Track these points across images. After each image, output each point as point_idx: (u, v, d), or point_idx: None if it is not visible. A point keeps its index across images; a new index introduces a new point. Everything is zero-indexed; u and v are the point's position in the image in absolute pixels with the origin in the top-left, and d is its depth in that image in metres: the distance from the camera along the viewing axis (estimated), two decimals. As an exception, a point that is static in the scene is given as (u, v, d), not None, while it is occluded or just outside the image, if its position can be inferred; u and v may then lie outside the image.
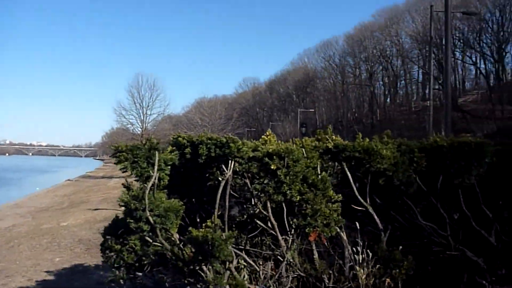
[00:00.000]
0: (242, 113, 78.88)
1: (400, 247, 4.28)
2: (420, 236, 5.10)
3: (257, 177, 3.80)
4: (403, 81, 68.13)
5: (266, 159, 3.65)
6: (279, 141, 4.34)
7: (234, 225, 4.50)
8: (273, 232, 4.17)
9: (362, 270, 3.90)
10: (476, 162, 4.49)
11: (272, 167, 3.61)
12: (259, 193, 3.78)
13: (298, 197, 3.66)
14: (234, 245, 4.30)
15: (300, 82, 77.40)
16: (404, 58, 62.99)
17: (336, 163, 4.27)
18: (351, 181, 4.16)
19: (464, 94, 58.52)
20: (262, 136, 3.98)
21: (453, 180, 4.62)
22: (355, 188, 4.21)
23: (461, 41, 53.58)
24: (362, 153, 3.95)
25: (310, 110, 68.65)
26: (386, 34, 63.51)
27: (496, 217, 5.06)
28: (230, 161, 3.66)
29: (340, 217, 3.87)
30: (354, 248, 4.29)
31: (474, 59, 56.02)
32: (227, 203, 3.86)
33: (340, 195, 3.88)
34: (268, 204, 3.90)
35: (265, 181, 3.71)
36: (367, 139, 4.12)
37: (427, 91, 49.14)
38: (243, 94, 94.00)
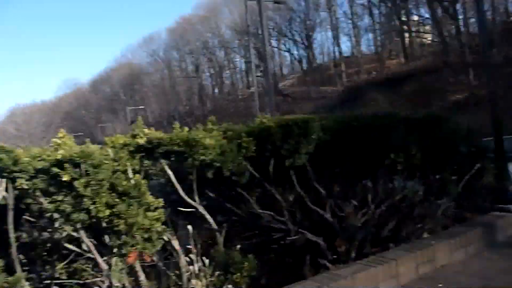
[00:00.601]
0: (66, 117, 72.77)
1: (239, 246, 3.78)
2: (260, 226, 4.71)
3: (50, 193, 2.87)
4: (228, 71, 70.17)
5: (56, 169, 2.75)
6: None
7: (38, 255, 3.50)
8: (91, 255, 3.30)
9: (199, 282, 3.28)
10: (305, 139, 4.19)
11: (65, 179, 2.73)
12: (53, 214, 2.86)
13: (107, 211, 2.84)
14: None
15: (126, 79, 74.32)
16: (227, 49, 64.81)
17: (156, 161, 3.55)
18: (173, 179, 3.49)
19: (283, 79, 62.66)
20: (53, 140, 3.03)
21: (284, 161, 4.28)
22: (179, 187, 3.56)
23: (275, 30, 57.02)
24: (182, 145, 3.29)
25: (140, 107, 66.40)
26: (207, 26, 64.47)
27: (328, 193, 4.92)
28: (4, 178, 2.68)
29: (163, 226, 3.16)
30: (190, 256, 3.65)
31: (288, 46, 60.29)
32: (11, 235, 2.85)
33: (161, 199, 3.17)
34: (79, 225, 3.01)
35: (60, 198, 2.81)
36: (186, 129, 3.47)
37: (250, 79, 51.28)
38: (64, 97, 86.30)
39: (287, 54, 63.24)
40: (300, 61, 58.34)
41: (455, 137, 5.20)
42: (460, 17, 35.49)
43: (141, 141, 3.25)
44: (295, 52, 59.09)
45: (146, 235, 2.98)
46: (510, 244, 5.00)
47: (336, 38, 54.42)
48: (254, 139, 4.05)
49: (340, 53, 54.46)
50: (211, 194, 4.45)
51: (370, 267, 3.81)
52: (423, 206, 5.11)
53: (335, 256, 4.55)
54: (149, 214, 3.02)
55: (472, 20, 37.60)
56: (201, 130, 3.64)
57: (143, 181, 3.05)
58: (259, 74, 49.62)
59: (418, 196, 4.96)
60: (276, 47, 61.40)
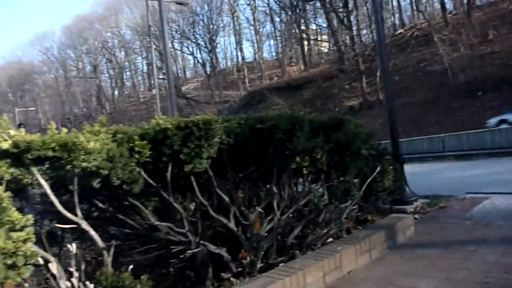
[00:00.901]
0: None
1: (131, 266, 3.27)
2: (158, 239, 4.23)
3: None
4: (128, 73, 67.57)
5: None
6: None
7: None
8: None
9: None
10: (206, 143, 3.80)
11: None
12: None
13: (-48, 234, 2.21)
14: None
15: (15, 78, 68.39)
16: (127, 50, 62.35)
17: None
18: (47, 190, 2.91)
19: (186, 82, 61.78)
20: None
21: (183, 166, 3.85)
22: (54, 200, 2.98)
23: (178, 32, 56.07)
24: (58, 150, 2.72)
25: (31, 108, 61.39)
26: (106, 25, 61.53)
27: (232, 200, 4.59)
28: None
29: (35, 247, 2.58)
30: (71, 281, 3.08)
31: (191, 49, 59.55)
32: None
33: (30, 216, 2.58)
34: None
35: None
36: (65, 130, 2.90)
37: (153, 81, 49.73)
38: None
39: (190, 57, 62.50)
40: (203, 65, 57.89)
41: (357, 140, 5.13)
42: (354, 28, 37.54)
43: (5, 145, 2.64)
44: (199, 56, 58.60)
45: (9, 261, 2.39)
46: (409, 245, 5.04)
47: (239, 43, 54.95)
48: (149, 143, 3.58)
49: (243, 58, 55.02)
50: (102, 205, 3.90)
51: (277, 280, 3.52)
52: (328, 210, 4.99)
53: (240, 269, 4.22)
54: (14, 234, 2.43)
55: (364, 31, 40.04)
56: (84, 132, 3.09)
57: (5, 194, 2.45)
58: (161, 76, 48.45)
59: (323, 200, 4.80)
60: (180, 50, 60.44)
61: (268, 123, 4.32)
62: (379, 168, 5.54)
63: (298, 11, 42.63)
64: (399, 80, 33.97)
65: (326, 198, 4.91)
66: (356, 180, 5.32)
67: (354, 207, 5.27)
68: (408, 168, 7.18)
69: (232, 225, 4.43)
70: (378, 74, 33.26)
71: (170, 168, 3.79)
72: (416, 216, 6.33)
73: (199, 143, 3.73)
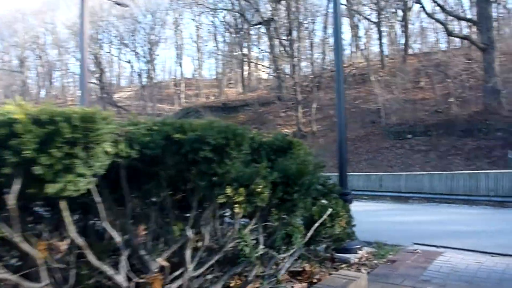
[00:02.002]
0: None
1: None
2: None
3: None
4: (59, 73, 63.19)
5: None
6: None
7: None
8: None
9: None
10: (85, 151, 2.30)
11: None
12: None
13: None
14: None
15: None
16: (60, 48, 58.34)
17: None
18: None
19: (120, 90, 58.73)
20: None
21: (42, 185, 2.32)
22: None
23: (118, 38, 53.34)
24: None
25: None
26: (40, 20, 57.35)
27: (127, 241, 3.10)
28: None
29: None
30: None
31: (129, 57, 56.93)
32: None
33: None
34: None
35: None
36: None
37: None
38: None
39: (128, 65, 59.71)
40: (139, 75, 55.33)
41: (309, 171, 3.84)
42: (295, 58, 37.35)
43: None
44: (136, 65, 56.05)
45: None
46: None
47: (179, 57, 53.22)
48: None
49: (182, 73, 53.30)
50: None
51: None
52: (263, 262, 3.62)
53: None
54: None
55: (304, 64, 40.03)
56: None
57: None
58: (93, 80, 45.48)
59: (256, 251, 3.41)
60: (117, 56, 57.52)
61: (192, 133, 2.90)
62: (330, 210, 4.26)
63: (242, 33, 41.91)
64: (334, 114, 33.90)
65: (261, 247, 3.53)
66: (301, 223, 4.02)
67: (297, 260, 3.94)
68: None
69: (120, 278, 2.91)
70: (314, 105, 33.07)
71: (16, 187, 2.24)
72: (364, 271, 5.11)
73: (70, 150, 2.22)
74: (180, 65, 57.36)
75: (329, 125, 33.28)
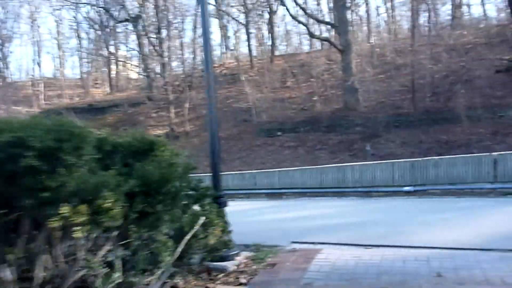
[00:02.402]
0: None
1: None
2: None
3: None
4: None
5: None
6: None
7: None
8: None
9: None
10: None
11: None
12: None
13: None
14: None
15: None
16: None
17: None
18: None
19: (-34, 91, 51.33)
20: None
21: None
22: None
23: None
24: None
25: None
26: None
27: None
28: None
29: None
30: None
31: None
32: None
33: None
34: None
35: None
36: None
37: None
38: None
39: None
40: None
41: (176, 176, 3.22)
42: (166, 58, 36.22)
43: None
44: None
45: None
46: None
47: (37, 55, 48.29)
48: None
49: (41, 72, 48.46)
50: None
51: None
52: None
53: None
54: None
55: (174, 64, 39.08)
56: None
57: None
58: None
59: (110, 280, 2.68)
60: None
61: (7, 134, 2.08)
62: (203, 219, 3.67)
63: (108, 30, 39.36)
64: (207, 114, 33.53)
65: (117, 274, 2.80)
66: (168, 238, 3.36)
67: (166, 281, 3.28)
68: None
69: None
70: (186, 105, 32.37)
71: None
72: (243, 279, 4.64)
73: None
74: (39, 64, 52.20)
75: (202, 125, 32.79)
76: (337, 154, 24.30)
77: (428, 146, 21.50)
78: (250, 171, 14.24)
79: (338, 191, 11.62)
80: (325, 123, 26.22)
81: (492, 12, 29.02)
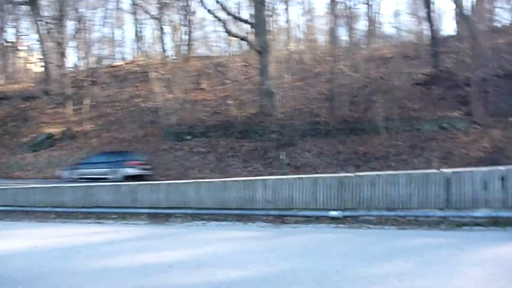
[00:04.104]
0: None
1: None
2: None
3: None
4: None
5: None
6: None
7: None
8: None
9: None
10: None
11: None
12: None
13: None
14: None
15: None
16: None
17: None
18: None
19: None
20: None
21: None
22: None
23: None
24: None
25: None
26: None
27: None
28: None
29: None
30: None
31: None
32: None
33: None
34: None
35: None
36: None
37: None
38: None
39: None
40: None
41: None
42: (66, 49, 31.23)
43: None
44: None
45: None
46: None
47: None
48: None
49: None
50: None
51: None
52: None
53: None
54: None
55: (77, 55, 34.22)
56: None
57: None
58: None
59: None
60: None
61: None
62: None
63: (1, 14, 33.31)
64: (112, 112, 29.24)
65: None
66: None
67: None
68: None
69: None
70: (87, 102, 27.79)
71: None
72: None
73: None
74: None
75: (105, 124, 28.32)
76: (250, 163, 21.41)
77: (345, 157, 19.32)
78: (129, 183, 10.46)
79: (245, 214, 8.42)
80: (239, 128, 23.23)
81: (409, 26, 27.92)
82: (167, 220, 8.96)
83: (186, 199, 9.00)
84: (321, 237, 6.76)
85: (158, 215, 9.18)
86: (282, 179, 8.41)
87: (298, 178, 8.17)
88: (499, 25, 23.81)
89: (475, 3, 24.45)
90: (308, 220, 7.77)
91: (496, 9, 24.58)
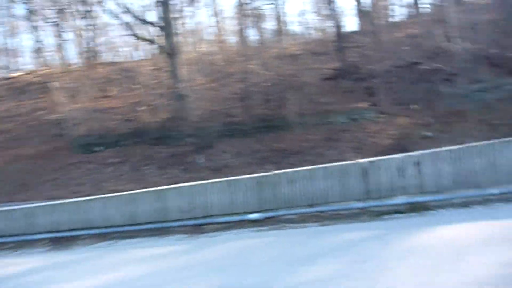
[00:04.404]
0: None
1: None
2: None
3: None
4: None
5: None
6: None
7: None
8: None
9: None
10: None
11: None
12: None
13: None
14: None
15: None
16: None
17: None
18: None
19: None
20: None
21: None
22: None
23: None
24: None
25: None
26: None
27: None
28: None
29: None
30: None
31: None
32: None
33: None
34: None
35: None
36: None
37: None
38: None
39: None
40: None
41: None
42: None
43: None
44: None
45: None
46: None
47: None
48: None
49: None
50: None
51: None
52: None
53: None
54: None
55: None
56: None
57: None
58: None
59: None
60: None
61: None
62: None
63: None
64: (13, 128, 26.42)
65: None
66: None
67: None
68: None
69: None
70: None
71: None
72: None
73: None
74: None
75: (5, 141, 25.49)
76: (167, 169, 20.36)
77: (263, 155, 19.10)
78: (23, 206, 9.05)
79: (159, 227, 7.61)
80: (153, 134, 22.01)
81: (315, 24, 28.63)
82: (71, 244, 7.84)
83: (91, 217, 7.95)
84: (243, 244, 6.21)
85: (60, 239, 8.01)
86: (196, 185, 7.72)
87: (214, 182, 7.55)
88: (396, 20, 25.20)
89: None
90: (227, 226, 7.17)
91: (393, 6, 26.03)
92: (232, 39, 31.21)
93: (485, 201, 6.37)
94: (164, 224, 7.53)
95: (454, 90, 15.87)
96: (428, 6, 26.30)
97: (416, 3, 26.65)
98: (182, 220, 7.55)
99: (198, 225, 7.42)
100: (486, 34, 16.74)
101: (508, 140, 6.77)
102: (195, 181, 10.62)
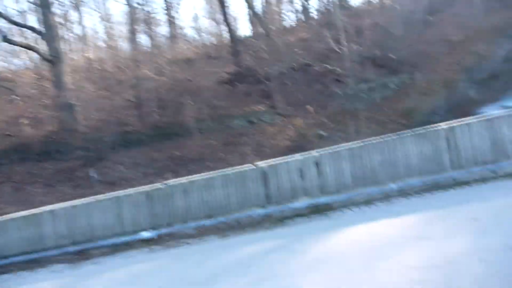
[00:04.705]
0: None
1: None
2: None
3: None
4: None
5: None
6: None
7: None
8: None
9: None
10: None
11: None
12: None
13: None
14: None
15: None
16: None
17: None
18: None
19: None
20: None
21: None
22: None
23: None
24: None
25: None
26: None
27: None
28: None
29: None
30: None
31: None
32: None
33: None
34: None
35: None
36: None
37: None
38: None
39: None
40: None
41: None
42: None
43: None
44: None
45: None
46: None
47: None
48: None
49: None
50: None
51: None
52: None
53: None
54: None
55: None
56: None
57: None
58: None
59: None
60: None
61: None
62: None
63: None
64: None
65: None
66: None
67: None
68: None
69: None
70: None
71: None
72: None
73: None
74: None
75: None
76: (56, 187, 18.21)
77: (162, 164, 18.00)
78: None
79: (32, 258, 6.33)
80: (37, 150, 19.61)
81: (209, 29, 28.21)
82: None
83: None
84: (134, 270, 5.30)
85: None
86: (75, 205, 6.59)
87: (97, 200, 6.51)
88: (288, 25, 25.77)
89: (265, 5, 25.90)
90: (116, 249, 6.19)
91: (284, 11, 26.59)
92: (123, 45, 29.45)
93: (386, 197, 6.27)
94: (38, 254, 6.29)
95: (344, 90, 16.39)
96: (316, 12, 27.39)
97: (305, 9, 27.58)
98: (61, 247, 6.36)
99: (80, 251, 6.31)
100: (369, 37, 17.63)
101: (402, 135, 6.79)
102: (88, 197, 9.32)
